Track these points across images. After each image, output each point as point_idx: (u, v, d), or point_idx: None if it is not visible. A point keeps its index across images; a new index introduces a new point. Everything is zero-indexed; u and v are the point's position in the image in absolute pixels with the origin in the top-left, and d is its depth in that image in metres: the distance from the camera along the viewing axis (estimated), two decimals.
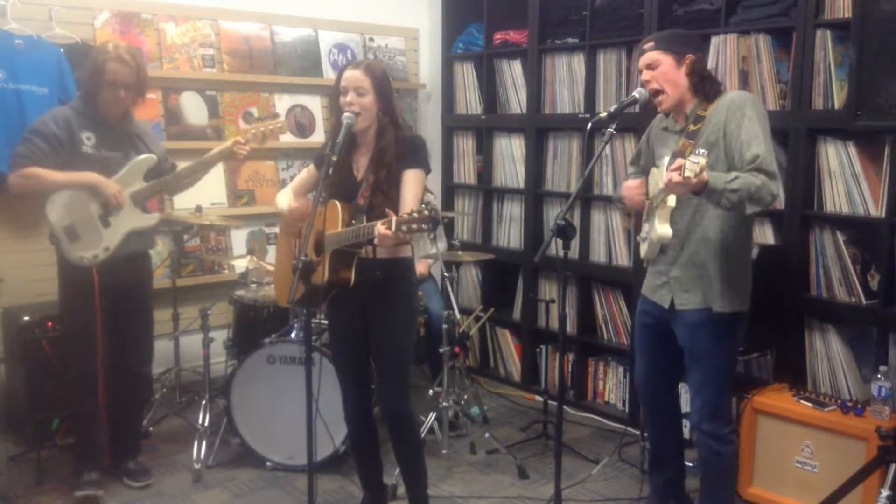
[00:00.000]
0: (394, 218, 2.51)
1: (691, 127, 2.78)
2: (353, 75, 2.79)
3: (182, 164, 3.48)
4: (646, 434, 3.41)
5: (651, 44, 2.83)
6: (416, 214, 2.50)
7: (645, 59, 2.83)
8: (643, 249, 3.04)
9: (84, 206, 3.23)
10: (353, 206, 2.83)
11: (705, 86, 2.79)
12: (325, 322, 3.51)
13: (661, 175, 2.80)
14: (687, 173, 2.37)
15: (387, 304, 2.91)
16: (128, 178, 3.28)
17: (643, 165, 3.12)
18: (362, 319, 2.96)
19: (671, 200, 2.75)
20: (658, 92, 2.81)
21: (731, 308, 2.80)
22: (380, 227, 2.53)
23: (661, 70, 2.78)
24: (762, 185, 2.54)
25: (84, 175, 3.20)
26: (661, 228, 2.80)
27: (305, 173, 3.11)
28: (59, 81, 3.97)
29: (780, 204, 3.57)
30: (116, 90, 3.18)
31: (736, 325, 2.85)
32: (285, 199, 3.04)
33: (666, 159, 2.81)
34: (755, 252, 3.22)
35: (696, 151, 2.65)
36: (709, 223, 2.78)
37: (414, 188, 2.82)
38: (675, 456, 3.17)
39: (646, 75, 2.82)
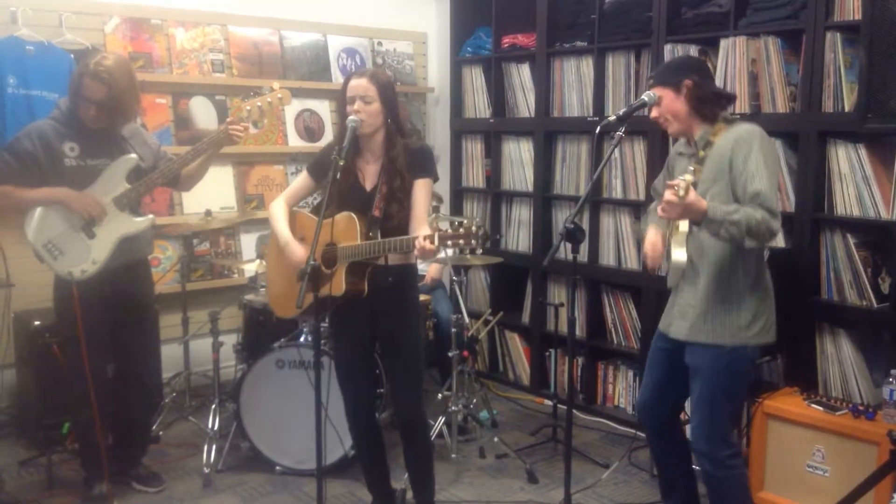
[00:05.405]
0: (437, 234, 2.52)
1: (701, 153, 2.76)
2: (359, 84, 2.79)
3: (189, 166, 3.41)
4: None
5: (651, 81, 2.85)
6: (462, 230, 2.48)
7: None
8: (669, 279, 2.96)
9: (63, 219, 3.14)
10: (369, 218, 2.81)
11: (704, 108, 2.76)
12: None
13: None
14: (681, 192, 2.37)
15: (399, 312, 2.91)
16: (107, 184, 3.18)
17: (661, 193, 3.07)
18: (371, 327, 2.96)
19: (683, 225, 2.72)
20: (666, 122, 2.82)
21: (733, 343, 2.72)
22: (422, 242, 2.53)
23: (664, 105, 2.79)
24: (762, 220, 2.50)
25: (54, 191, 3.10)
26: (676, 253, 2.77)
27: (299, 181, 3.04)
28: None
29: (791, 207, 3.56)
30: (88, 106, 3.08)
31: (745, 356, 2.77)
32: (284, 225, 2.94)
33: None
34: (766, 254, 3.19)
35: (687, 169, 2.64)
36: (724, 253, 2.71)
37: (426, 198, 2.87)
38: (686, 480, 3.06)
39: (654, 112, 2.84)
